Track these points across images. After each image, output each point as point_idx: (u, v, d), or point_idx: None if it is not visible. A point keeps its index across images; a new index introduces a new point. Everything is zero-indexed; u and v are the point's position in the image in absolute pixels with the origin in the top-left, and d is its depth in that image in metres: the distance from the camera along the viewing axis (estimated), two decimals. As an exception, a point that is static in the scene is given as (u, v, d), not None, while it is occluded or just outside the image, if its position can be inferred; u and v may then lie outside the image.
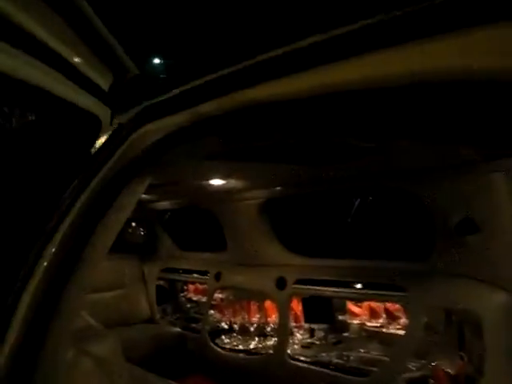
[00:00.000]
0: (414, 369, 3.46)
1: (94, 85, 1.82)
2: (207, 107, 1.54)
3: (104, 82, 1.84)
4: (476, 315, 3.11)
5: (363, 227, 4.42)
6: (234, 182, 4.12)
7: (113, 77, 1.84)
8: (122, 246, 6.29)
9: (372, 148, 2.71)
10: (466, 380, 3.22)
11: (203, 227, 6.06)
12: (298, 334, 4.42)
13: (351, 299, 4.02)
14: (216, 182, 4.05)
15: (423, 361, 3.45)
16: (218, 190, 4.46)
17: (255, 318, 4.91)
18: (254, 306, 4.94)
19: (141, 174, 1.92)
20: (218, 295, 5.36)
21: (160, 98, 1.77)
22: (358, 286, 3.84)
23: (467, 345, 3.30)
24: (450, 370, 3.31)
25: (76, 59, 1.68)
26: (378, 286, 3.69)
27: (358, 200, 4.88)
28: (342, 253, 4.24)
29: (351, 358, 3.93)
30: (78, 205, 1.88)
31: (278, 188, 4.24)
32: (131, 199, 1.99)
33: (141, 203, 5.84)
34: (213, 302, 5.37)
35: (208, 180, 3.92)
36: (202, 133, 1.63)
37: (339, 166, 3.18)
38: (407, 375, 3.42)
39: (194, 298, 5.86)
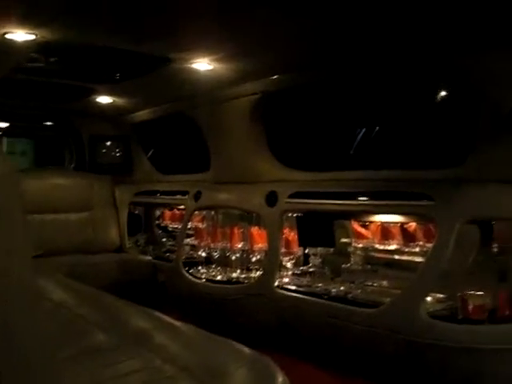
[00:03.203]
0: (436, 299, 2.70)
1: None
2: None
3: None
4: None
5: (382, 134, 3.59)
6: (222, 69, 3.29)
7: None
8: (94, 167, 5.51)
9: None
10: (505, 312, 2.46)
11: (185, 148, 5.29)
12: (288, 264, 3.62)
13: (360, 213, 3.21)
14: (200, 65, 3.23)
15: (450, 290, 2.68)
16: (202, 86, 3.65)
17: (239, 246, 4.08)
18: (237, 232, 4.11)
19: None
20: (197, 224, 4.57)
21: None
22: (368, 197, 3.05)
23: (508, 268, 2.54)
24: (484, 301, 2.54)
25: None
26: (395, 195, 2.90)
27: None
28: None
29: (355, 289, 3.15)
30: None
31: (276, 77, 3.41)
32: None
33: (117, 116, 5.05)
34: (191, 232, 4.59)
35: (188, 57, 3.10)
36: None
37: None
38: (429, 306, 2.64)
39: (171, 227, 5.07)
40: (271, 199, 3.60)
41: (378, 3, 2.15)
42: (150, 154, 5.54)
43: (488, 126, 2.59)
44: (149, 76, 3.64)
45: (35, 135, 7.69)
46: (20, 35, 2.69)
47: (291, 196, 3.48)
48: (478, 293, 2.56)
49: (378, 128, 3.57)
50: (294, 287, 3.36)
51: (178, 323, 2.27)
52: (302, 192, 3.44)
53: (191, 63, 3.22)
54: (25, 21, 2.50)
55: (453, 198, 2.64)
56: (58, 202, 4.93)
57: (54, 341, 1.20)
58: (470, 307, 2.53)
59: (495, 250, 2.67)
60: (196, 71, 3.35)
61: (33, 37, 2.71)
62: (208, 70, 3.33)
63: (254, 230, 3.97)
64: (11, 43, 2.77)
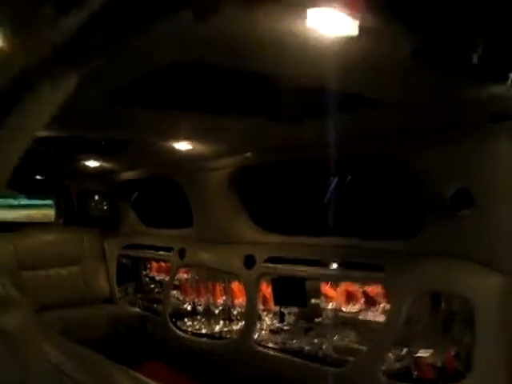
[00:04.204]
0: (394, 359, 3.08)
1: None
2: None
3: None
4: (466, 300, 2.74)
5: (341, 206, 3.99)
6: (200, 147, 3.68)
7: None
8: (83, 220, 5.85)
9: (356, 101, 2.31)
10: (453, 373, 2.84)
11: (170, 203, 5.62)
12: (266, 319, 3.99)
13: (326, 280, 3.60)
14: (180, 145, 3.61)
15: (405, 350, 3.06)
16: (184, 157, 4.02)
17: (221, 301, 4.46)
18: (219, 288, 4.49)
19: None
20: (182, 275, 4.92)
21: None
22: (334, 265, 3.44)
23: (455, 334, 2.92)
24: (435, 362, 2.93)
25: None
26: (356, 265, 3.29)
27: (336, 178, 4.44)
28: (317, 232, 3.82)
29: (324, 346, 3.52)
30: None
31: (249, 154, 3.80)
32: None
33: (104, 174, 5.40)
34: (176, 283, 4.94)
35: (170, 140, 3.49)
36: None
37: (315, 123, 2.75)
38: (387, 366, 3.03)
39: (157, 278, 5.41)
40: (249, 262, 3.97)
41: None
42: (136, 207, 5.86)
43: (433, 208, 2.99)
44: (134, 150, 4.01)
45: (26, 190, 8.01)
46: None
47: (267, 261, 3.86)
48: (430, 353, 2.96)
49: (339, 198, 3.97)
50: (270, 344, 3.73)
51: None
52: (276, 257, 3.82)
53: (173, 143, 3.61)
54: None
55: (403, 270, 3.04)
56: (50, 258, 5.24)
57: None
58: (423, 367, 2.92)
59: (444, 314, 3.06)
60: (178, 150, 3.74)
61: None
62: (188, 149, 3.72)
63: (235, 285, 4.35)
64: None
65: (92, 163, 4.85)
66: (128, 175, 5.28)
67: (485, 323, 2.65)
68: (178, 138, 3.46)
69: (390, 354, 3.08)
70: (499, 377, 2.64)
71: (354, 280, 3.42)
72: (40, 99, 1.24)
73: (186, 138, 3.45)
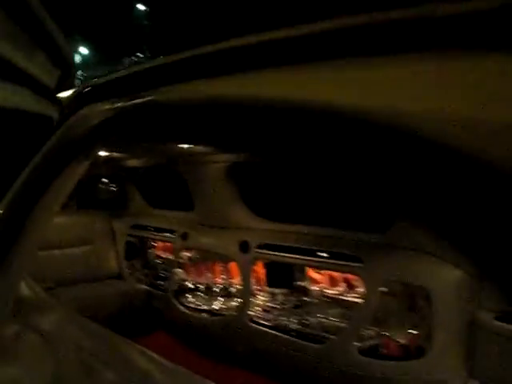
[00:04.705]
0: (366, 337, 3.54)
1: (42, 86, 1.75)
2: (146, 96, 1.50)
3: (50, 81, 1.78)
4: (427, 290, 3.18)
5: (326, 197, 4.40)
6: (200, 147, 4.09)
7: (59, 73, 1.77)
8: (93, 202, 6.30)
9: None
10: (415, 351, 3.31)
11: (174, 186, 6.04)
12: (260, 297, 4.47)
13: (311, 267, 4.05)
14: (181, 145, 4.01)
15: (376, 329, 3.53)
16: (185, 153, 4.42)
17: (220, 279, 4.95)
18: (218, 267, 4.97)
19: (82, 154, 1.88)
20: (185, 254, 5.38)
21: (100, 81, 1.73)
22: (319, 254, 3.87)
23: (418, 318, 3.38)
24: (400, 340, 3.39)
25: (20, 62, 1.60)
26: (338, 256, 3.73)
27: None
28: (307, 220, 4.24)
29: (309, 323, 3.99)
30: (19, 182, 1.85)
31: (244, 154, 4.21)
32: (70, 180, 1.96)
33: (113, 160, 5.80)
34: (180, 261, 5.40)
35: (172, 143, 3.90)
36: (140, 119, 1.59)
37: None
38: (359, 344, 3.50)
39: (163, 256, 5.88)
40: (244, 247, 4.42)
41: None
42: (142, 190, 6.30)
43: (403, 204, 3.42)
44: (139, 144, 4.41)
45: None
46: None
47: (260, 247, 4.30)
48: (396, 333, 3.44)
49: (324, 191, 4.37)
50: (262, 322, 4.21)
51: (174, 366, 2.88)
52: (269, 244, 4.26)
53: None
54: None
55: (377, 262, 3.49)
56: (64, 239, 5.71)
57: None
58: (390, 345, 3.40)
59: (409, 301, 3.51)
60: (180, 147, 4.15)
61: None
62: (190, 146, 4.12)
63: (233, 265, 4.82)
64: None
65: (101, 152, 5.25)
66: (134, 162, 5.69)
67: (442, 310, 3.10)
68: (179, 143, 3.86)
69: (364, 333, 3.55)
70: (454, 354, 3.11)
71: (334, 269, 3.86)
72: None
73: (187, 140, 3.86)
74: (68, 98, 1.83)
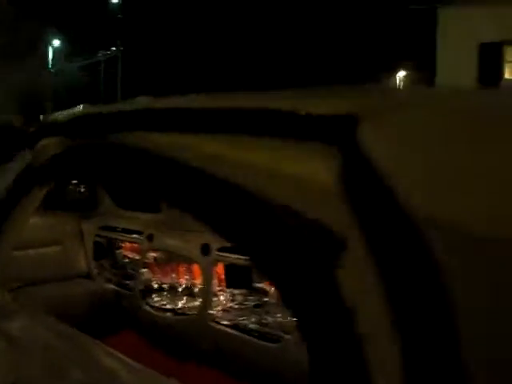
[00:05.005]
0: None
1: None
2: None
3: None
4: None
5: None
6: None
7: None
8: (62, 203, 6.42)
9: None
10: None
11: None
12: (221, 298, 4.68)
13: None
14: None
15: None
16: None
17: (183, 280, 5.15)
18: (182, 268, 5.17)
19: (42, 183, 2.06)
20: (151, 254, 5.55)
21: (61, 117, 1.91)
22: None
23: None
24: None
25: None
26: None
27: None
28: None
29: (268, 322, 4.22)
30: None
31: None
32: (30, 206, 2.13)
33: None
34: (146, 261, 5.57)
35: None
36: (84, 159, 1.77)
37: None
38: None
39: (130, 256, 6.05)
40: (205, 250, 4.62)
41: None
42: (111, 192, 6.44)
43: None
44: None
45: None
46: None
47: (220, 250, 4.51)
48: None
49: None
50: (223, 322, 4.43)
51: (141, 366, 2.99)
52: (228, 247, 4.46)
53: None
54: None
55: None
56: (33, 240, 5.82)
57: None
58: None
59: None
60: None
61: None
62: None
63: (196, 266, 5.02)
64: None
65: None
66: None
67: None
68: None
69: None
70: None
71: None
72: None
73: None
74: (35, 126, 2.02)
